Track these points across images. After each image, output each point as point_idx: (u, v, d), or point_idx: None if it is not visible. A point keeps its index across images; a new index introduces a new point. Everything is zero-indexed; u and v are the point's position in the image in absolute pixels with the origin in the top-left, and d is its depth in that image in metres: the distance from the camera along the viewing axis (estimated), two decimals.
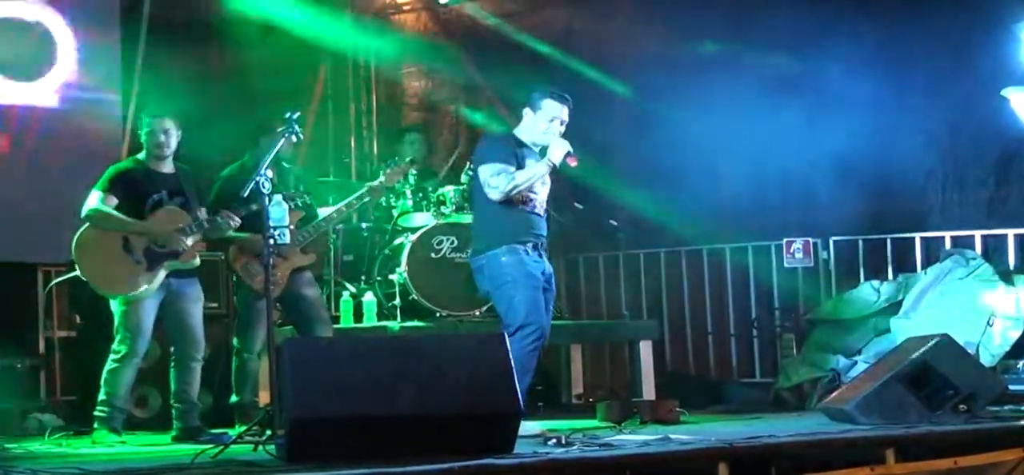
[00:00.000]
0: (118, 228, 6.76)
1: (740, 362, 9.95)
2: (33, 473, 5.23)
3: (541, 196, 6.86)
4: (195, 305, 6.95)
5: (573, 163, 6.70)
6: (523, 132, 6.88)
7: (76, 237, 6.80)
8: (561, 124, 6.80)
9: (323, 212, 7.58)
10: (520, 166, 6.72)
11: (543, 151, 6.76)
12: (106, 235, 6.77)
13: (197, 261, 6.94)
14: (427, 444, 5.12)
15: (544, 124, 6.79)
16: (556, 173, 6.86)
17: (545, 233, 6.87)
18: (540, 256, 6.80)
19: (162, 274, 6.78)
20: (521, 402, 5.49)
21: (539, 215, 6.83)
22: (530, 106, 6.85)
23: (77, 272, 6.86)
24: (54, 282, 8.31)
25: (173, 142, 6.94)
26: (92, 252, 6.78)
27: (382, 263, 8.75)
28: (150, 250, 6.77)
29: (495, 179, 6.68)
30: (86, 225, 6.80)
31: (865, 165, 9.64)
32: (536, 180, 6.74)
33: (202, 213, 6.92)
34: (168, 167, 6.97)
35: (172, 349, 6.95)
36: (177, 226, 6.80)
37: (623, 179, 10.11)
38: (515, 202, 6.72)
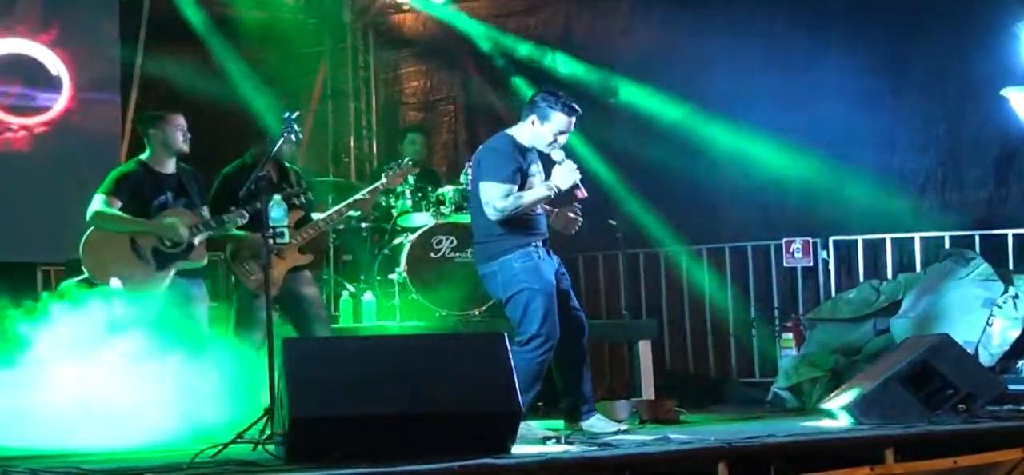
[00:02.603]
0: (122, 229, 6.72)
1: (739, 362, 9.93)
2: (32, 473, 5.21)
3: None
4: (201, 305, 6.94)
5: (581, 195, 6.46)
6: (523, 135, 6.55)
7: (83, 238, 6.75)
8: (565, 136, 6.51)
9: (321, 215, 7.56)
10: (526, 174, 6.48)
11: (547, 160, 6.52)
12: (113, 236, 6.73)
13: (205, 260, 6.93)
14: (426, 444, 5.11)
15: (550, 137, 6.47)
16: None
17: (546, 229, 6.67)
18: (549, 253, 6.59)
19: (172, 274, 6.77)
20: (520, 402, 5.48)
21: (539, 213, 6.59)
22: (537, 114, 6.46)
23: (84, 274, 6.78)
24: (54, 282, 8.30)
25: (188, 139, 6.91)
26: (100, 253, 6.73)
27: (381, 263, 8.74)
28: (158, 250, 6.75)
29: (501, 201, 6.38)
30: (91, 228, 6.75)
31: (865, 165, 9.63)
32: (539, 204, 6.50)
33: (204, 211, 6.90)
34: (171, 167, 6.92)
35: None
36: (186, 226, 6.78)
37: (622, 178, 10.10)
38: None
